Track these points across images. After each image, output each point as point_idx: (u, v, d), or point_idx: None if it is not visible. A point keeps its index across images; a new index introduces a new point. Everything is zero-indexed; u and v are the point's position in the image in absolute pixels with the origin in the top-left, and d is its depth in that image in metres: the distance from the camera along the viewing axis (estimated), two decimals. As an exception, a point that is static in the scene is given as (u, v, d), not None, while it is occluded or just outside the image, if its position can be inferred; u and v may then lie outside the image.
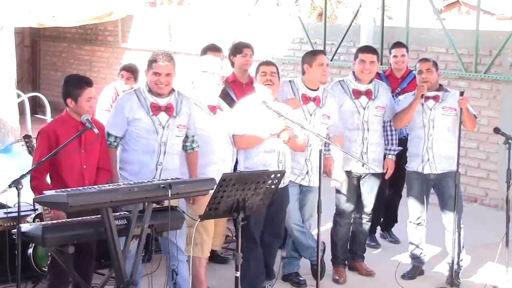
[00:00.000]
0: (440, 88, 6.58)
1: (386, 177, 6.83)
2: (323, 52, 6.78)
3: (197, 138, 5.68)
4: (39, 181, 5.10)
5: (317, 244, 5.72)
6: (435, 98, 6.51)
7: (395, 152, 6.82)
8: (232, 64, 7.23)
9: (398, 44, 8.01)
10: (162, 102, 5.46)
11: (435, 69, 6.54)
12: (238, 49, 7.21)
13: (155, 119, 5.42)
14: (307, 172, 6.29)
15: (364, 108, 6.51)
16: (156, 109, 5.43)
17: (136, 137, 5.42)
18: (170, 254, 5.57)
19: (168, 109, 5.47)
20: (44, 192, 4.64)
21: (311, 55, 6.43)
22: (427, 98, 6.52)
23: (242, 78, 7.07)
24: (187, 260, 5.59)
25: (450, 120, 6.51)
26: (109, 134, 5.47)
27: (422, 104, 6.51)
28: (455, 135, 6.54)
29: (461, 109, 6.37)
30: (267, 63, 6.17)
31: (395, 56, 7.72)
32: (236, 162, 6.13)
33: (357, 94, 6.51)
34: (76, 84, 5.33)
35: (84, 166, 5.31)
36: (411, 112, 6.51)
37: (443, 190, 6.54)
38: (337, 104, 6.44)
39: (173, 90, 5.54)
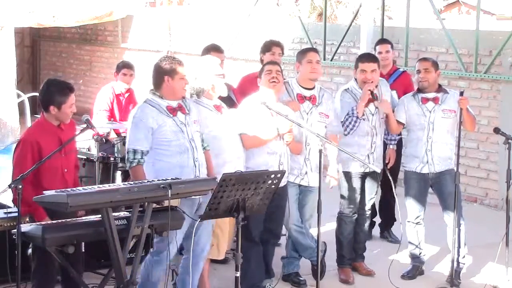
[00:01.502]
0: (439, 89, 6.56)
1: (388, 167, 6.89)
2: (313, 49, 6.77)
3: (206, 138, 5.68)
4: (26, 192, 4.97)
5: (317, 244, 5.72)
6: (435, 100, 6.50)
7: (396, 142, 6.87)
8: (261, 61, 7.30)
9: (382, 41, 8.05)
10: (174, 104, 5.47)
11: (434, 69, 6.51)
12: (268, 47, 7.37)
13: (176, 120, 5.43)
14: (306, 172, 6.29)
15: (372, 114, 6.50)
16: (172, 110, 5.44)
17: (167, 142, 5.38)
18: (169, 254, 5.59)
19: (181, 108, 5.49)
20: (44, 192, 4.63)
21: (302, 53, 6.48)
22: (426, 100, 6.51)
23: None
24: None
25: (450, 123, 6.51)
26: (135, 151, 5.34)
27: (421, 107, 6.51)
28: (454, 136, 6.56)
29: (461, 109, 6.37)
30: (272, 62, 6.30)
31: (379, 53, 7.70)
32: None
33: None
34: (60, 91, 5.28)
35: (65, 170, 5.32)
36: (390, 122, 6.54)
37: (442, 187, 6.56)
38: (333, 102, 6.45)
39: None
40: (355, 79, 6.58)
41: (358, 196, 6.60)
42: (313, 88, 6.38)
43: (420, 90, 6.57)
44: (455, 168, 6.43)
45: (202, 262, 5.65)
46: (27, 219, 5.62)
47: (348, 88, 6.60)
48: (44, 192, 4.63)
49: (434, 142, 6.49)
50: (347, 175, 6.56)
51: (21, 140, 5.33)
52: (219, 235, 5.85)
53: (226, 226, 5.87)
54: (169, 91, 5.44)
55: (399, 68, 7.79)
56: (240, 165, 5.86)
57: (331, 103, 6.41)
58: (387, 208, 7.82)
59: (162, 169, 5.38)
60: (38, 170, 5.13)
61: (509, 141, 6.48)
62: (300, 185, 6.34)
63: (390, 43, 7.95)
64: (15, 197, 4.97)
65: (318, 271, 5.79)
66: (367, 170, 6.52)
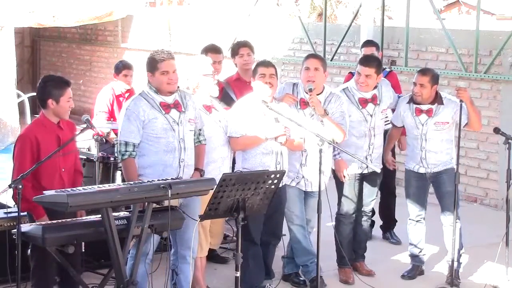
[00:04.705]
0: (435, 100, 6.47)
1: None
2: (313, 56, 6.56)
3: (203, 131, 5.69)
4: (26, 190, 4.98)
5: (317, 244, 5.68)
6: (428, 112, 6.45)
7: None
8: (235, 65, 7.26)
9: (367, 43, 8.00)
10: (169, 100, 5.46)
11: (431, 85, 6.40)
12: (235, 50, 7.26)
13: (168, 117, 5.42)
14: (303, 177, 6.25)
15: (371, 116, 6.47)
16: (166, 107, 5.43)
17: (154, 138, 5.38)
18: (172, 253, 5.59)
19: (177, 106, 5.47)
20: (44, 192, 4.63)
21: (303, 59, 6.33)
22: (420, 112, 6.48)
23: (245, 77, 7.05)
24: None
25: (444, 133, 6.49)
26: (127, 143, 5.35)
27: (415, 118, 6.49)
28: (450, 141, 6.55)
29: (461, 103, 6.31)
30: (266, 64, 6.07)
31: (365, 55, 7.60)
32: (234, 163, 6.15)
33: (363, 103, 6.44)
34: (57, 85, 5.31)
35: (63, 169, 5.32)
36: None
37: (440, 187, 6.56)
38: (341, 104, 6.28)
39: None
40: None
41: (355, 197, 6.57)
42: (320, 93, 6.22)
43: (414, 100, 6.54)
44: (455, 167, 6.44)
45: (189, 257, 5.60)
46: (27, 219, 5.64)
47: (347, 88, 6.57)
48: (44, 192, 4.63)
49: (428, 152, 6.48)
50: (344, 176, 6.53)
51: (20, 137, 5.36)
52: (201, 233, 5.82)
53: (207, 223, 5.84)
54: (156, 87, 5.45)
55: (385, 68, 7.78)
56: (225, 165, 5.88)
57: (337, 106, 6.25)
58: (387, 210, 7.81)
59: (145, 165, 5.41)
60: (37, 169, 5.13)
61: (509, 141, 6.47)
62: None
63: (376, 45, 7.91)
64: (16, 196, 4.96)
65: (317, 270, 5.77)
66: (364, 172, 6.52)
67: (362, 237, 6.83)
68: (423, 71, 6.57)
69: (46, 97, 5.29)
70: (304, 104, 6.23)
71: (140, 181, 5.03)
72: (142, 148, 5.40)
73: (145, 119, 5.35)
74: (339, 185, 6.57)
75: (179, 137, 5.43)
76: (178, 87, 5.54)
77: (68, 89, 5.31)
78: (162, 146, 5.39)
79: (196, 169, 5.59)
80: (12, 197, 5.09)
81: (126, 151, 5.36)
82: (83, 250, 5.22)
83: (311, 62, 6.20)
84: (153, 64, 5.43)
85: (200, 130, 5.66)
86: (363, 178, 6.60)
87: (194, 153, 5.63)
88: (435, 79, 6.47)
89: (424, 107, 6.47)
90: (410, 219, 6.70)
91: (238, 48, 7.22)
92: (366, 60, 6.55)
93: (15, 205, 5.30)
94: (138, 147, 5.39)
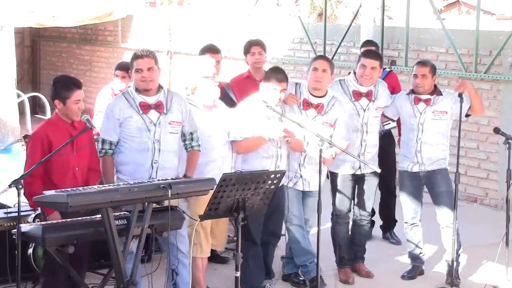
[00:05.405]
0: (434, 91, 6.50)
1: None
2: (322, 57, 6.58)
3: (197, 136, 5.66)
4: (34, 188, 5.03)
5: (317, 244, 5.68)
6: (427, 101, 6.45)
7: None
8: (247, 63, 7.28)
9: (367, 43, 8.01)
10: (151, 100, 5.46)
11: (432, 75, 6.44)
12: (246, 48, 7.26)
13: (145, 117, 5.42)
14: (300, 176, 6.26)
15: (364, 110, 6.45)
16: (145, 107, 5.43)
17: (129, 137, 5.42)
18: (169, 254, 5.59)
19: (158, 107, 5.46)
20: (44, 192, 4.63)
21: (312, 60, 6.35)
22: (418, 100, 6.48)
23: (256, 75, 7.02)
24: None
25: (442, 124, 6.48)
26: (104, 141, 5.43)
27: (413, 107, 6.48)
28: (446, 137, 6.55)
29: (460, 95, 6.31)
30: (279, 79, 5.94)
31: None
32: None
33: (357, 96, 6.44)
34: (65, 86, 5.31)
35: (76, 168, 5.32)
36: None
37: (433, 186, 6.55)
38: (344, 112, 6.30)
39: (161, 87, 5.54)
40: (354, 72, 6.55)
41: (349, 198, 6.55)
42: (324, 95, 6.22)
43: (414, 91, 6.53)
44: (448, 168, 6.44)
45: (184, 258, 5.60)
46: (28, 219, 5.64)
47: (344, 80, 6.56)
48: (44, 192, 4.63)
49: (424, 143, 6.47)
50: (337, 177, 6.51)
51: (32, 135, 5.40)
52: (201, 234, 5.80)
53: (208, 224, 5.84)
54: (135, 85, 5.50)
55: (385, 68, 7.79)
56: (225, 165, 5.86)
57: (340, 112, 6.26)
58: (387, 210, 7.81)
59: (121, 162, 5.47)
60: (48, 166, 5.15)
61: (509, 141, 6.47)
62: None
63: (375, 45, 7.91)
64: (27, 191, 4.99)
65: (317, 270, 5.77)
66: (357, 173, 6.50)
67: (362, 240, 6.80)
68: (423, 62, 6.62)
69: (54, 97, 5.31)
70: (306, 105, 6.21)
71: (140, 181, 5.02)
72: (121, 146, 5.47)
73: (120, 118, 5.41)
74: (333, 185, 6.56)
75: (154, 138, 5.42)
76: (160, 86, 5.53)
77: (76, 91, 5.29)
78: (136, 145, 5.42)
79: (184, 176, 5.57)
80: (24, 194, 5.10)
81: (102, 148, 5.45)
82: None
83: (319, 63, 6.19)
84: (130, 63, 5.50)
85: (191, 134, 5.63)
86: (357, 179, 6.57)
87: (187, 158, 5.63)
88: (434, 69, 6.51)
89: (423, 96, 6.47)
90: (405, 222, 6.69)
91: (250, 46, 7.24)
92: (371, 53, 6.61)
93: (15, 205, 5.29)
94: (117, 145, 5.45)
